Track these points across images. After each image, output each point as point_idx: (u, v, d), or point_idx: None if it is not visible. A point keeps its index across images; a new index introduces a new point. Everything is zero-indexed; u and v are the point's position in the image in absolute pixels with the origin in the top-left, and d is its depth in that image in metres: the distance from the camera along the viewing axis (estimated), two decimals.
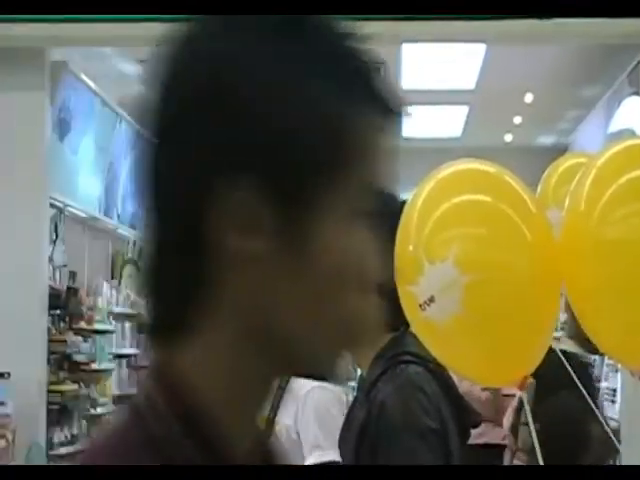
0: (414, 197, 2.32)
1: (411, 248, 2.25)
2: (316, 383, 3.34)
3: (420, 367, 2.21)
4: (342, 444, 2.33)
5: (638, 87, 7.40)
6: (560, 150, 10.22)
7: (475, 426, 2.58)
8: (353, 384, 4.37)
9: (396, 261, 2.28)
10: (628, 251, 2.20)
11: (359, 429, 2.20)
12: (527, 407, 2.31)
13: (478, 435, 4.70)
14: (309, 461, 3.32)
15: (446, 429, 2.19)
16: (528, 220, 2.25)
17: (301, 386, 3.38)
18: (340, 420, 3.11)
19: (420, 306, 2.20)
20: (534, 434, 2.37)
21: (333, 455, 3.13)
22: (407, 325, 2.27)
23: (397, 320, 2.18)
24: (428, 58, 8.62)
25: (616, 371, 7.74)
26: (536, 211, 2.28)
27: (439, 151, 11.51)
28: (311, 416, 3.37)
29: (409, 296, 2.23)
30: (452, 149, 11.57)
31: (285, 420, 3.36)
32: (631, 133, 7.69)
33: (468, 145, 11.21)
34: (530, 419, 2.34)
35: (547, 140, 11.45)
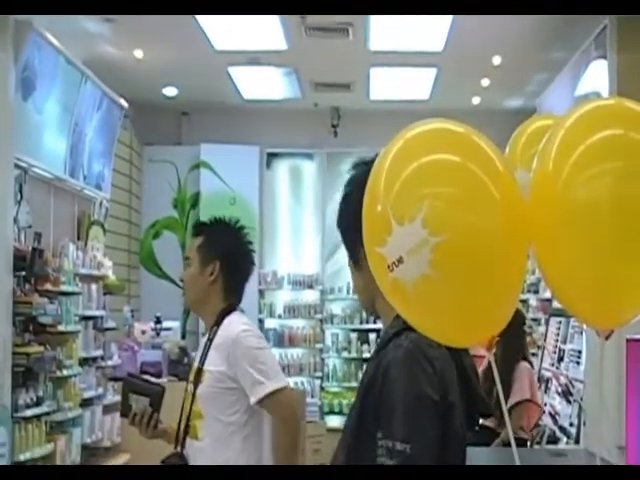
0: (382, 157, 2.30)
1: (379, 208, 2.24)
2: (241, 327, 3.66)
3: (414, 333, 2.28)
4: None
5: (604, 51, 7.42)
6: (527, 113, 10.23)
7: (484, 416, 2.60)
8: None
9: (364, 222, 2.28)
10: (595, 211, 2.20)
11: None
12: (494, 367, 2.32)
13: None
14: (254, 399, 3.60)
15: (450, 405, 2.26)
16: (496, 180, 2.23)
17: (227, 333, 3.65)
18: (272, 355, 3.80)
19: (388, 267, 2.19)
20: (502, 396, 2.39)
21: (278, 383, 3.67)
22: None
23: None
24: (397, 20, 8.56)
25: (581, 333, 7.82)
26: (504, 171, 2.27)
27: (407, 113, 11.51)
28: (245, 357, 3.59)
29: (377, 257, 2.23)
30: (420, 111, 11.54)
31: (213, 367, 3.61)
32: (597, 96, 7.72)
33: (436, 107, 11.21)
34: (498, 381, 2.35)
35: (514, 103, 11.46)
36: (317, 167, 12.96)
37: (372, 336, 12.39)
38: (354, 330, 12.69)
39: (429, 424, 2.17)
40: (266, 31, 9.06)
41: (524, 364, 6.58)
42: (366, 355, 12.27)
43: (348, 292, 12.62)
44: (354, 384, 12.19)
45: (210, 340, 3.67)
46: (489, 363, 6.32)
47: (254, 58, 9.94)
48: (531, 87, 10.74)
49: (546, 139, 2.32)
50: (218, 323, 3.69)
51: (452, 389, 2.28)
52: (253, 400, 3.60)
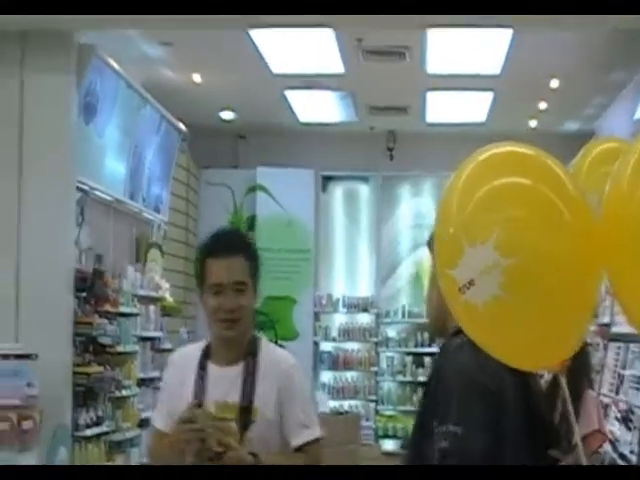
0: (453, 179, 2.31)
1: (451, 230, 2.25)
2: (291, 361, 3.27)
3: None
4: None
5: None
6: (585, 136, 10.16)
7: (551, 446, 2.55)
8: None
9: (436, 244, 2.29)
10: None
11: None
12: (566, 392, 2.30)
13: None
14: (296, 441, 3.17)
15: (506, 402, 2.32)
16: (568, 202, 2.24)
17: (275, 365, 3.22)
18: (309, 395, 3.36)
19: (460, 289, 2.19)
20: (574, 420, 2.37)
21: (319, 431, 3.21)
22: None
23: None
24: (454, 43, 8.57)
25: (639, 359, 7.71)
26: (576, 193, 2.26)
27: (463, 136, 11.52)
28: (296, 395, 3.19)
29: (449, 280, 2.24)
30: (476, 135, 11.54)
31: (264, 404, 3.15)
32: None
33: (493, 131, 11.15)
34: (569, 405, 2.34)
35: (572, 126, 11.39)
36: (372, 190, 12.97)
37: (427, 360, 12.31)
38: (409, 353, 12.63)
39: (480, 407, 2.26)
40: (323, 54, 9.11)
41: (591, 392, 6.45)
42: (421, 378, 12.19)
43: (403, 315, 12.59)
44: (409, 407, 12.14)
45: (251, 373, 3.18)
46: (549, 386, 6.22)
47: (311, 82, 10.00)
48: (588, 110, 10.67)
49: (620, 161, 2.30)
50: (253, 352, 3.23)
51: (508, 390, 2.32)
52: (295, 443, 3.18)
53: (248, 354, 3.21)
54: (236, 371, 3.19)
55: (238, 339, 3.22)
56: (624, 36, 7.80)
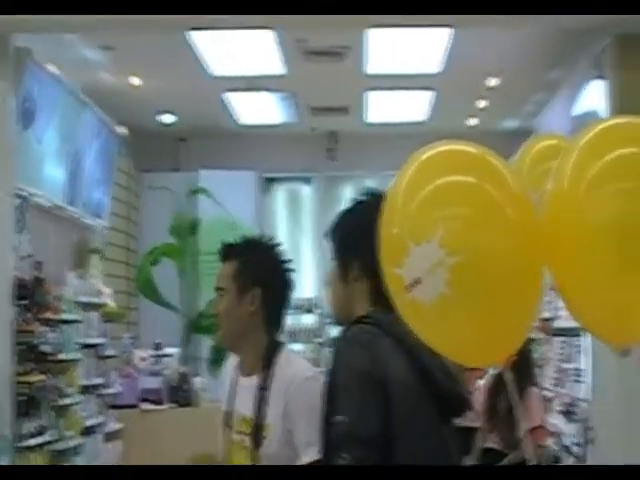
0: (397, 179, 2.31)
1: (396, 230, 2.25)
2: (306, 374, 3.07)
3: (373, 327, 2.43)
4: None
5: (602, 71, 7.45)
6: (525, 133, 10.27)
7: (460, 413, 2.60)
8: None
9: (381, 244, 2.28)
10: (611, 230, 2.21)
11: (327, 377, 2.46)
12: (513, 387, 2.31)
13: None
14: (305, 460, 2.95)
15: (395, 385, 2.35)
16: (511, 200, 2.25)
17: (288, 380, 3.06)
18: None
19: (406, 288, 2.19)
20: (520, 415, 2.38)
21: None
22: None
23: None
24: (394, 43, 8.60)
25: (581, 352, 7.82)
26: (519, 191, 2.28)
27: (403, 136, 11.57)
28: (305, 411, 2.96)
29: (395, 278, 2.24)
30: (418, 134, 11.58)
31: (277, 421, 3.02)
32: (594, 116, 7.75)
33: (433, 129, 11.23)
34: (515, 399, 2.35)
35: (511, 124, 11.50)
36: (315, 191, 12.97)
37: None
38: None
39: (364, 395, 2.31)
40: (263, 56, 9.08)
41: (534, 389, 6.52)
42: None
43: None
44: None
45: (264, 387, 3.07)
46: (494, 381, 6.28)
47: (251, 83, 9.97)
48: (527, 108, 10.79)
49: (560, 158, 2.32)
50: (269, 364, 3.10)
51: (396, 372, 2.36)
52: (305, 461, 2.96)
53: (265, 365, 3.11)
54: (253, 383, 3.11)
55: (232, 345, 3.18)
56: (562, 35, 7.89)
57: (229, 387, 3.19)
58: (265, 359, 3.10)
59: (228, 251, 3.22)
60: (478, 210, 2.22)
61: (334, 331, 12.79)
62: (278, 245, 3.25)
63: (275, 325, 3.21)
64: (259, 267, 3.17)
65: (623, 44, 7.00)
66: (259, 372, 3.09)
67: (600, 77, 7.49)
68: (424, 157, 2.32)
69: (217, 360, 10.88)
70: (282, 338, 3.26)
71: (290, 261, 3.24)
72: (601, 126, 2.36)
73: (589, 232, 2.22)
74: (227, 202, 12.10)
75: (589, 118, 7.96)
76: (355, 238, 2.55)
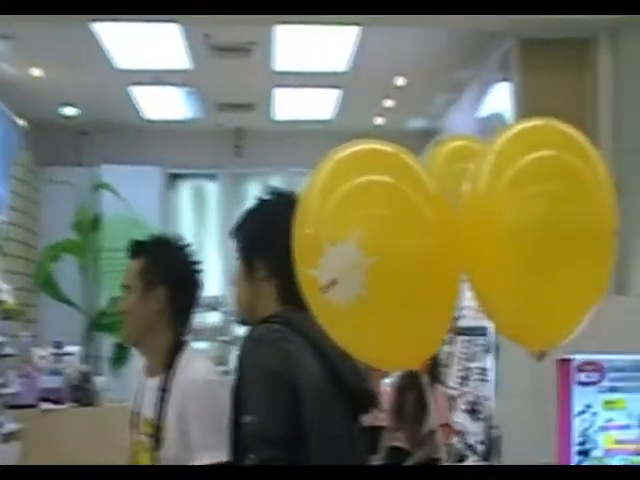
0: (312, 179, 2.26)
1: (310, 230, 2.20)
2: (206, 376, 3.03)
3: (281, 325, 2.40)
4: None
5: (507, 74, 7.54)
6: (431, 133, 10.36)
7: (367, 408, 2.59)
8: None
9: (295, 245, 2.23)
10: (527, 232, 2.19)
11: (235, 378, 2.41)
12: (428, 389, 2.28)
13: None
14: (197, 464, 2.90)
15: (305, 384, 2.33)
16: (429, 201, 2.21)
17: (187, 381, 3.00)
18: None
19: (321, 289, 2.14)
20: (433, 412, 2.35)
21: (222, 456, 2.77)
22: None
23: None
24: (302, 40, 8.56)
25: (486, 351, 7.89)
26: (436, 192, 2.24)
27: (310, 133, 11.56)
28: (201, 414, 2.94)
29: (309, 279, 2.18)
30: (324, 132, 11.59)
31: (174, 424, 2.96)
32: (500, 118, 7.84)
33: (339, 128, 11.27)
34: (430, 400, 2.32)
35: (418, 123, 11.57)
36: (220, 188, 12.86)
37: None
38: None
39: (272, 395, 2.28)
40: (169, 50, 8.95)
41: (440, 387, 6.56)
42: None
43: None
44: None
45: (164, 389, 3.01)
46: (401, 381, 6.24)
47: (157, 77, 9.81)
48: (434, 108, 10.86)
49: (477, 160, 2.30)
50: (171, 364, 3.05)
51: (306, 371, 2.34)
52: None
53: (167, 366, 3.05)
54: (156, 383, 3.05)
55: (136, 344, 3.15)
56: (470, 36, 7.95)
57: (137, 388, 3.14)
58: (168, 359, 3.05)
59: (136, 248, 3.18)
60: (395, 211, 2.18)
61: (239, 329, 12.72)
62: (187, 245, 3.22)
63: (182, 325, 3.16)
64: (167, 266, 3.14)
65: (527, 47, 7.10)
66: (161, 373, 3.04)
67: (505, 79, 7.58)
68: (339, 156, 2.27)
69: (119, 359, 10.71)
70: (188, 337, 3.16)
71: (199, 262, 3.22)
72: (518, 128, 2.33)
73: (506, 235, 2.20)
74: (131, 198, 11.90)
75: (495, 120, 8.05)
76: (260, 237, 2.53)
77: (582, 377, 2.38)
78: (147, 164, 12.02)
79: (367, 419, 2.45)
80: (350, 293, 2.11)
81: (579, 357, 2.39)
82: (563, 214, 2.18)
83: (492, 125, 7.99)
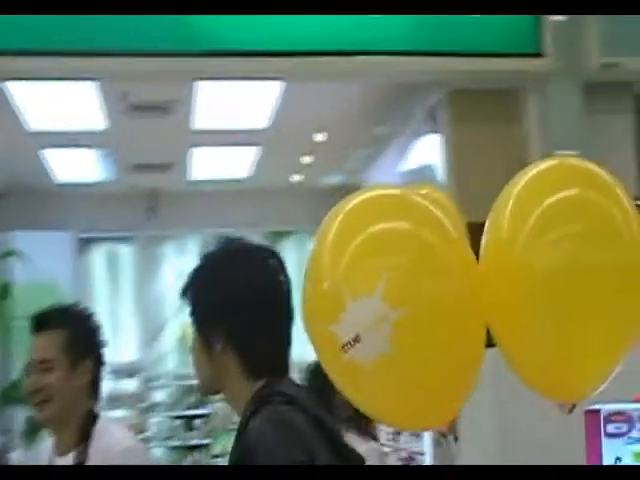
0: (322, 233, 2.10)
1: (326, 285, 2.02)
2: (122, 445, 2.84)
3: (289, 406, 2.07)
4: None
5: (436, 125, 7.53)
6: (350, 189, 10.29)
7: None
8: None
9: (308, 303, 2.06)
10: (554, 278, 2.06)
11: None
12: None
13: None
14: None
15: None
16: (451, 245, 2.07)
17: (102, 452, 2.81)
18: None
19: (343, 347, 1.97)
20: None
21: None
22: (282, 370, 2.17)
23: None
24: (222, 97, 8.43)
25: None
26: (457, 236, 2.10)
27: (229, 193, 11.41)
28: None
29: (328, 337, 2.00)
30: (242, 190, 11.46)
31: None
32: (428, 170, 7.81)
33: (255, 186, 11.18)
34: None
35: (335, 180, 11.49)
36: (135, 251, 12.57)
37: (197, 422, 12.03)
38: (179, 417, 12.25)
39: None
40: (84, 111, 8.71)
41: (372, 444, 6.31)
42: (192, 442, 11.91)
43: (171, 378, 12.21)
44: None
45: (79, 463, 2.81)
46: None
47: (70, 139, 9.53)
48: (354, 164, 10.79)
49: (496, 205, 2.16)
50: (85, 437, 2.85)
51: (318, 451, 2.05)
52: None
53: (80, 440, 2.84)
54: (69, 461, 2.82)
55: (55, 423, 2.87)
56: (394, 89, 7.93)
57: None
58: (82, 433, 2.85)
59: (48, 320, 2.94)
60: (417, 258, 2.03)
61: (158, 396, 12.37)
62: (93, 313, 3.06)
63: (95, 396, 2.98)
64: (89, 338, 2.96)
65: (456, 99, 7.10)
66: (75, 448, 2.84)
67: (434, 131, 7.56)
68: (348, 207, 2.12)
69: (33, 431, 10.25)
70: (102, 406, 3.00)
71: (103, 329, 3.04)
72: (535, 170, 2.20)
73: (533, 282, 2.05)
74: (43, 264, 11.53)
75: (421, 173, 8.02)
76: (213, 301, 2.16)
77: (611, 428, 2.24)
78: (59, 229, 11.67)
79: None
80: (375, 350, 1.95)
81: (607, 407, 2.26)
82: (592, 255, 2.05)
83: (418, 178, 7.96)
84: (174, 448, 12.18)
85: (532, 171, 2.19)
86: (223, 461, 11.84)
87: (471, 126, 7.02)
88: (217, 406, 11.82)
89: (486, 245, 2.14)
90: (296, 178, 11.25)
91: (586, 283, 2.04)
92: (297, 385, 2.18)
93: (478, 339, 2.09)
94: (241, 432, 2.07)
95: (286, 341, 2.19)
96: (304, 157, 10.45)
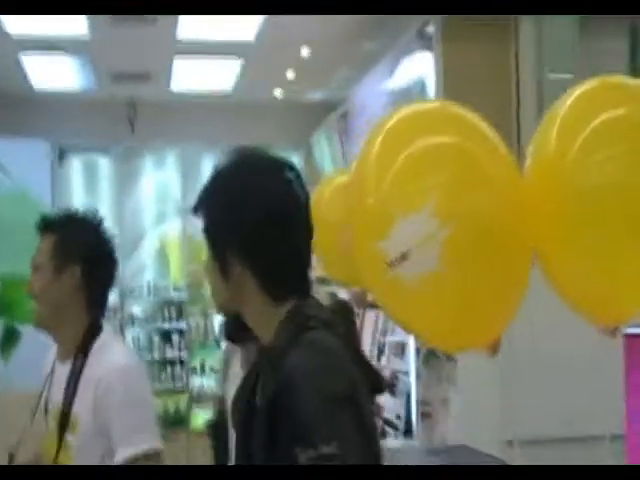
0: (367, 145, 2.03)
1: (371, 201, 1.97)
2: (122, 363, 2.78)
3: (327, 332, 1.96)
4: (240, 416, 2.06)
5: (425, 43, 7.41)
6: (333, 106, 10.21)
7: (381, 391, 2.39)
8: None
9: (356, 217, 2.01)
10: (604, 195, 2.02)
11: (272, 398, 1.92)
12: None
13: None
14: (119, 457, 2.69)
15: (358, 394, 1.97)
16: (500, 161, 2.03)
17: (101, 368, 2.77)
18: (151, 404, 2.87)
19: (389, 264, 1.92)
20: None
21: (144, 443, 2.71)
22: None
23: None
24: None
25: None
26: (505, 151, 2.05)
27: (210, 106, 11.24)
28: (122, 405, 2.73)
29: (373, 254, 1.96)
30: (223, 105, 11.29)
31: (85, 412, 2.74)
32: (420, 87, 7.71)
33: (237, 100, 11.00)
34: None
35: (318, 96, 11.34)
36: (113, 162, 12.38)
37: (175, 336, 12.03)
38: (156, 330, 12.26)
39: (345, 417, 1.87)
40: (65, 16, 8.46)
41: None
42: (169, 355, 11.93)
43: (149, 291, 12.16)
44: (158, 386, 11.77)
45: (77, 373, 2.81)
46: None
47: (50, 44, 9.30)
48: (338, 81, 10.64)
49: (543, 125, 2.11)
50: (85, 349, 2.85)
51: (355, 377, 1.95)
52: (120, 457, 2.71)
53: (80, 351, 2.83)
54: (67, 369, 2.83)
55: (48, 326, 2.89)
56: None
57: (47, 372, 2.95)
58: (81, 344, 2.84)
59: (46, 224, 2.96)
60: (464, 172, 1.98)
61: (136, 309, 12.34)
62: (102, 221, 3.00)
63: (97, 305, 2.94)
64: (80, 243, 2.91)
65: (450, 20, 6.97)
66: (74, 357, 2.84)
67: (424, 48, 7.44)
68: (392, 121, 2.06)
69: (8, 343, 10.21)
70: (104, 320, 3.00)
71: (114, 238, 2.99)
72: (579, 91, 2.14)
73: (580, 199, 2.03)
74: (18, 173, 11.33)
75: (412, 90, 7.92)
76: (227, 218, 1.96)
77: None
78: (36, 137, 11.47)
79: None
80: (423, 268, 1.91)
81: None
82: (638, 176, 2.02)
83: (407, 96, 7.86)
84: (151, 361, 12.21)
85: (575, 92, 2.14)
86: (200, 375, 11.95)
87: (464, 45, 6.91)
88: (195, 319, 11.85)
89: (533, 161, 2.09)
90: (277, 93, 11.09)
91: (633, 202, 2.02)
92: (323, 306, 2.04)
93: (525, 260, 2.06)
94: (275, 360, 1.96)
95: (307, 259, 2.01)
96: (288, 72, 10.28)
